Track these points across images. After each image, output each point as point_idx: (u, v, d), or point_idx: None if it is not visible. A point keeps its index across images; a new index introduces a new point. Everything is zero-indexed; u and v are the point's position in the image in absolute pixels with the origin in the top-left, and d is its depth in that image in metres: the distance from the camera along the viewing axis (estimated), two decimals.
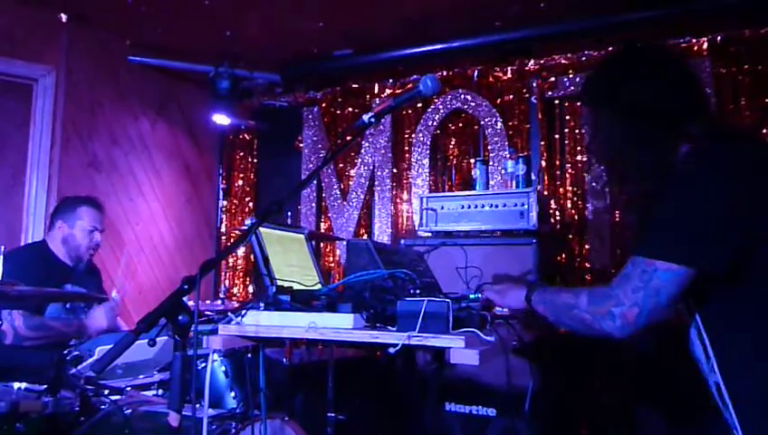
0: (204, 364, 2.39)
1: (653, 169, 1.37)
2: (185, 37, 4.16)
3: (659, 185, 1.33)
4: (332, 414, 2.74)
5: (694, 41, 3.71)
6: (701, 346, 1.36)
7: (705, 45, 3.68)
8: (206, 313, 3.16)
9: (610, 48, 3.87)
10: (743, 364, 1.29)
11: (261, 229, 1.77)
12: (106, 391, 2.26)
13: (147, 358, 2.43)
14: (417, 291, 1.57)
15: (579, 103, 3.92)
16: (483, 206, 3.35)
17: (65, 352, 2.20)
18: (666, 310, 1.29)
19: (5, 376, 2.20)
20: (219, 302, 3.63)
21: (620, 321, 1.28)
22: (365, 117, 1.65)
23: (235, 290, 5.01)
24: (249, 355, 2.48)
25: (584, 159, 3.95)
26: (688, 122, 1.39)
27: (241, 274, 5.06)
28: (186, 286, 1.31)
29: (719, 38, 3.66)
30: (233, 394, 2.66)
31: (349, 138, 1.90)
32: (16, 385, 2.19)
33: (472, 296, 1.78)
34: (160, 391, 2.55)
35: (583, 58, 3.98)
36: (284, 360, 2.94)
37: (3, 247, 1.97)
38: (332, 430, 2.71)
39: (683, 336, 1.43)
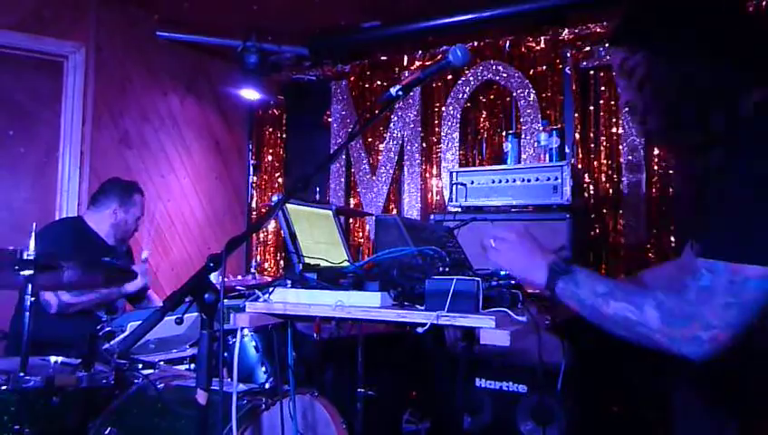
0: (234, 339, 2.41)
1: (713, 120, 1.13)
2: (213, 11, 4.13)
3: (721, 143, 1.10)
4: (362, 390, 2.75)
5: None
6: None
7: (751, 10, 3.50)
8: (237, 288, 3.18)
9: None
10: None
11: (288, 206, 1.75)
12: (139, 366, 2.29)
13: (178, 333, 2.47)
14: (447, 269, 1.53)
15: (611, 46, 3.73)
16: (514, 180, 3.28)
17: (98, 327, 2.24)
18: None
19: (43, 349, 2.26)
20: (250, 277, 3.66)
21: (709, 346, 1.05)
22: (392, 90, 1.60)
23: (266, 265, 5.05)
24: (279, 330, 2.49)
25: (620, 131, 3.82)
26: (761, 67, 1.13)
27: (272, 248, 5.09)
28: (211, 264, 1.30)
29: (764, 3, 3.47)
30: (263, 369, 2.68)
31: (376, 111, 1.85)
32: (53, 359, 2.25)
33: (503, 273, 1.74)
34: (192, 366, 2.59)
35: None
36: (314, 335, 2.95)
37: (35, 224, 1.99)
38: (362, 405, 2.71)
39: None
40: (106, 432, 1.99)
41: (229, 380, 1.83)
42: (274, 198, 4.38)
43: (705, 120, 1.15)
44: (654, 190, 3.69)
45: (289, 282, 1.53)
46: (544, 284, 1.29)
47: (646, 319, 1.11)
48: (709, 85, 1.14)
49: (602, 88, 3.89)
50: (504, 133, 4.08)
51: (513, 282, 1.58)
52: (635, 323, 1.12)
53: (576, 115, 3.94)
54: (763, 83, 1.14)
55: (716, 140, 1.13)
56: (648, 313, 1.11)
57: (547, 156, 3.42)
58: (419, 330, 1.29)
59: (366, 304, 1.40)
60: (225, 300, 1.29)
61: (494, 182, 3.33)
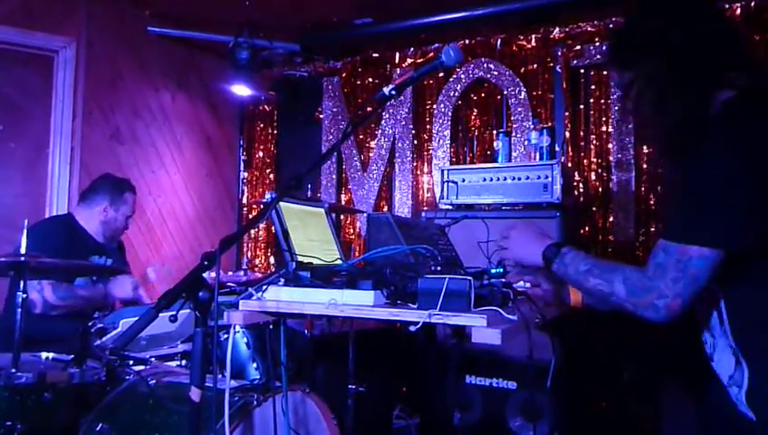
0: (226, 336, 2.41)
1: (684, 117, 1.28)
2: (204, 7, 4.12)
3: (690, 140, 1.24)
4: (353, 386, 2.76)
5: (726, 6, 3.57)
6: (716, 315, 1.34)
7: (738, 12, 3.54)
8: (228, 284, 3.19)
9: None
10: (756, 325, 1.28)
11: (280, 204, 1.75)
12: (130, 362, 2.30)
13: (170, 330, 2.46)
14: (439, 268, 1.55)
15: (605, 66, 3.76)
16: (505, 178, 3.30)
17: (90, 323, 2.24)
18: (702, 292, 1.26)
19: (34, 346, 2.25)
20: (242, 273, 3.66)
21: (665, 311, 1.25)
22: (386, 89, 1.61)
23: (257, 261, 5.05)
24: (271, 327, 2.50)
25: (609, 129, 3.86)
26: (730, 69, 1.29)
27: (262, 245, 5.09)
28: (206, 262, 1.31)
29: (752, 4, 3.52)
30: (255, 365, 2.69)
31: (369, 110, 1.86)
32: (44, 355, 2.25)
33: (493, 271, 1.76)
34: (183, 362, 2.60)
35: (611, 25, 3.85)
36: (305, 331, 2.96)
37: (26, 221, 1.99)
38: (353, 401, 2.73)
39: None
40: (98, 428, 1.99)
41: (221, 376, 1.85)
42: (267, 196, 4.38)
43: (681, 123, 1.31)
44: (643, 189, 3.73)
45: (282, 280, 1.54)
46: (541, 259, 1.53)
47: (615, 291, 1.33)
48: (681, 94, 1.31)
49: (592, 87, 3.92)
50: (494, 131, 4.10)
51: (504, 280, 1.61)
52: (608, 294, 1.35)
53: (566, 114, 3.97)
54: (730, 84, 1.29)
55: (690, 139, 1.27)
56: (616, 286, 1.32)
57: (537, 154, 3.44)
58: (412, 328, 1.31)
59: (359, 302, 1.41)
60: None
61: (485, 180, 3.35)
